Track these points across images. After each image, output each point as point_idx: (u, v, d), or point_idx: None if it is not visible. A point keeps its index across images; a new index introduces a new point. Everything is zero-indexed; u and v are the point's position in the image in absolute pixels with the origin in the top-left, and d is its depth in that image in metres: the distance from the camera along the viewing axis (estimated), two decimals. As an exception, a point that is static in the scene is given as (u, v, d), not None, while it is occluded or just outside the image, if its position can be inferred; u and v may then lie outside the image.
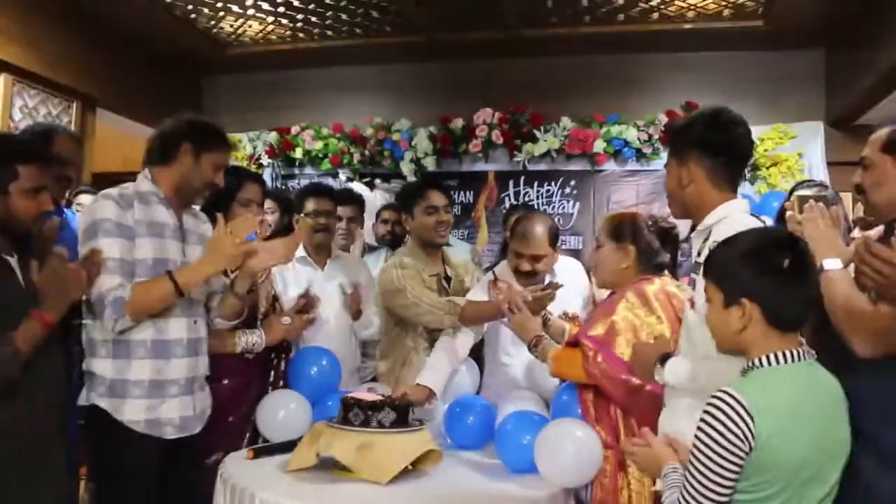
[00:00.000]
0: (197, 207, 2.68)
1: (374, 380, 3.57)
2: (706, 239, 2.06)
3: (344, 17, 5.00)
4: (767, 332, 1.61)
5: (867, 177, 1.99)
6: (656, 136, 5.02)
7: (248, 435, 2.91)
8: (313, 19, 5.06)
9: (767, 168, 4.86)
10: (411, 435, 2.37)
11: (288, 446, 2.56)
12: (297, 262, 3.47)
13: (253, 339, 2.85)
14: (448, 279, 3.41)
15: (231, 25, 5.21)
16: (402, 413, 2.39)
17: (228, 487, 2.29)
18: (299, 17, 5.02)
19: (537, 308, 2.88)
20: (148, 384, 2.34)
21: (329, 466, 2.35)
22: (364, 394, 2.51)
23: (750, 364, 1.63)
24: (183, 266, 2.43)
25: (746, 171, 4.68)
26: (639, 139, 5.08)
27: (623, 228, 2.59)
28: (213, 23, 5.16)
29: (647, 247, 2.56)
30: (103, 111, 5.30)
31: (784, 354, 1.60)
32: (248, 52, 5.65)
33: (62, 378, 2.31)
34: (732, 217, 2.04)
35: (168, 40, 5.36)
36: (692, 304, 2.07)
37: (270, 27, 5.22)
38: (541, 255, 3.09)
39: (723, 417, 1.51)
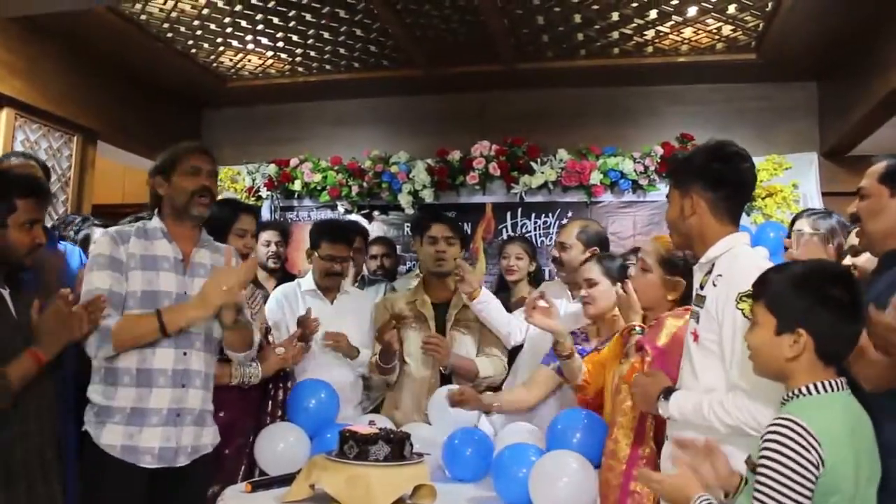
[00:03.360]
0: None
1: (375, 411, 3.59)
2: (709, 272, 2.07)
3: (342, 51, 5.06)
4: (814, 362, 1.64)
5: (863, 207, 2.03)
6: (652, 168, 5.07)
7: (243, 468, 2.90)
8: (312, 53, 5.12)
9: (763, 199, 4.90)
10: (405, 469, 2.38)
11: (285, 479, 2.56)
12: (307, 295, 3.50)
13: (249, 371, 2.88)
14: (441, 307, 3.50)
15: (231, 59, 5.27)
16: (397, 447, 2.39)
17: (226, 521, 2.29)
18: (298, 51, 5.08)
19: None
20: (129, 411, 2.38)
21: (326, 499, 2.34)
22: (361, 427, 2.52)
23: (794, 392, 1.65)
24: (183, 299, 2.48)
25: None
26: (635, 170, 5.11)
27: (677, 262, 2.51)
28: (212, 57, 5.22)
29: (690, 284, 2.45)
30: (104, 144, 5.35)
31: (829, 384, 1.63)
32: (248, 85, 5.70)
33: (53, 404, 2.33)
34: (736, 249, 2.05)
35: (168, 74, 5.42)
36: (695, 337, 2.07)
37: (270, 61, 5.28)
38: (565, 244, 3.47)
39: (793, 445, 1.52)
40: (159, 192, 2.57)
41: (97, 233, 3.24)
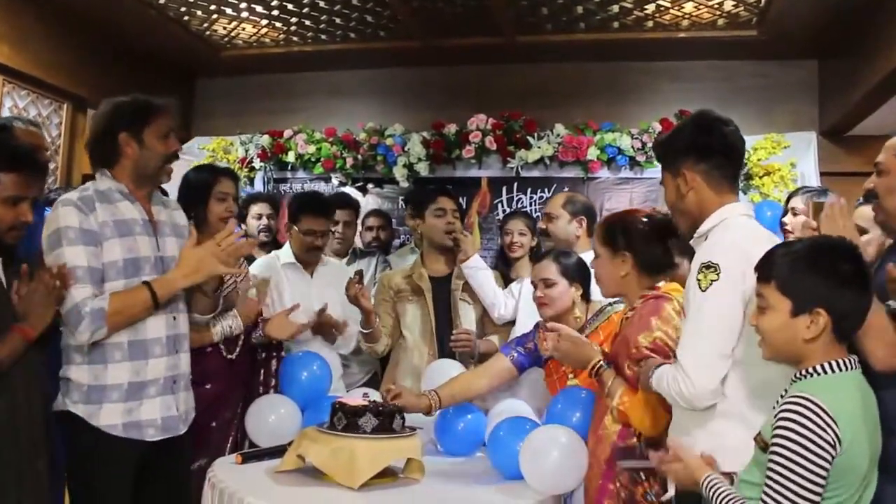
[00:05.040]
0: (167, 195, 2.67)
1: (369, 384, 3.61)
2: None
3: (338, 21, 5.01)
4: (830, 341, 1.63)
5: (881, 182, 2.00)
6: (650, 144, 5.04)
7: (231, 440, 2.90)
8: (307, 23, 5.07)
9: (761, 178, 4.87)
10: (391, 442, 2.37)
11: (276, 451, 2.57)
12: (287, 269, 3.47)
13: (227, 323, 2.86)
14: (439, 281, 3.55)
15: (224, 28, 5.22)
16: (386, 419, 2.39)
17: (217, 492, 2.29)
18: (293, 20, 5.03)
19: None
20: (126, 387, 2.30)
21: (316, 471, 2.35)
22: (352, 398, 2.52)
23: (807, 371, 1.64)
24: (159, 262, 2.41)
25: (740, 180, 4.73)
26: (632, 147, 5.07)
27: (616, 234, 2.44)
28: (206, 25, 5.17)
29: (643, 250, 2.38)
30: (94, 112, 5.29)
31: (843, 362, 1.63)
32: (242, 54, 5.66)
33: (43, 384, 2.28)
34: (731, 220, 2.01)
35: (160, 42, 5.37)
36: (684, 313, 2.04)
37: (264, 30, 5.24)
38: (551, 215, 3.53)
39: (811, 425, 1.51)
40: (128, 152, 2.36)
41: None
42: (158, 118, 2.40)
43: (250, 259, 3.56)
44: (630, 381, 2.24)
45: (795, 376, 1.66)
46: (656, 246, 2.40)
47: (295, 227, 3.44)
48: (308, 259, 3.50)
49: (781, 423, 1.54)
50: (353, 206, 4.33)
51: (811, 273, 1.63)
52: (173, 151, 2.45)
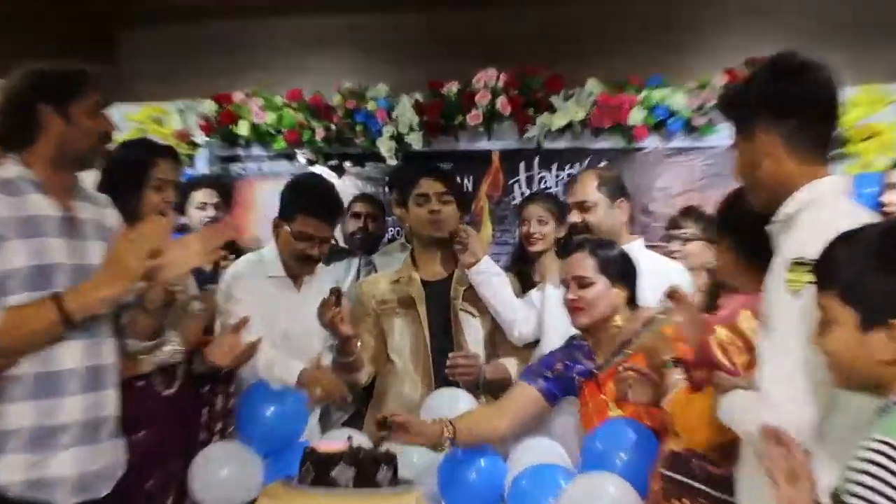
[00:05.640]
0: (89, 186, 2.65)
1: (350, 423, 3.57)
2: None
3: (302, -50, 5.00)
4: None
5: None
6: (712, 103, 4.99)
7: (169, 502, 2.88)
8: (262, -46, 5.05)
9: (859, 143, 4.83)
10: (375, 499, 2.37)
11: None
12: (270, 283, 3.41)
13: (167, 349, 2.82)
14: (435, 286, 3.54)
15: (153, -39, 5.20)
16: (369, 468, 2.38)
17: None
18: (243, -50, 5.01)
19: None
20: (29, 434, 2.27)
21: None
22: (328, 443, 2.50)
23: (892, 403, 1.60)
24: (78, 272, 2.35)
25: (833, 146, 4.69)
26: (689, 107, 5.06)
27: (723, 217, 2.47)
28: (129, -40, 5.15)
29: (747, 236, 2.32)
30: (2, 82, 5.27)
31: None
32: (177, -1, 5.65)
33: None
34: (823, 200, 1.97)
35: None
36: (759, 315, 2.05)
37: (205, -35, 5.21)
38: (586, 203, 3.54)
39: (890, 477, 1.49)
40: (49, 127, 2.37)
41: None
42: (89, 89, 2.43)
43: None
44: (692, 381, 2.24)
45: (878, 410, 1.63)
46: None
47: (286, 227, 3.37)
48: (296, 269, 3.44)
49: (856, 475, 1.53)
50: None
51: (882, 272, 1.61)
52: (109, 129, 2.50)
